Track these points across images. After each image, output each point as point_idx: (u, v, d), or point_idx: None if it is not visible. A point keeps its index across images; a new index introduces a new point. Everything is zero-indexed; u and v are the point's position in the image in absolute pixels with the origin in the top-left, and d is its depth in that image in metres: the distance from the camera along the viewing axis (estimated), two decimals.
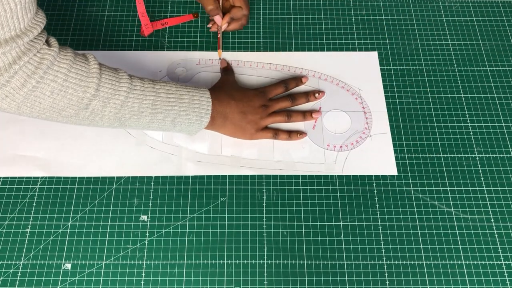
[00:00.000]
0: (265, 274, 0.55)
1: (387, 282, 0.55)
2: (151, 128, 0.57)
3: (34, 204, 0.59)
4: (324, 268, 0.56)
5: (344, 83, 0.68)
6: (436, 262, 0.56)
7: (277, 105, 0.64)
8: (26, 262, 0.55)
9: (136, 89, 0.53)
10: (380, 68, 0.70)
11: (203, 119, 0.58)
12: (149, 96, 0.54)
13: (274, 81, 0.68)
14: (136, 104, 0.54)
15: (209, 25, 0.72)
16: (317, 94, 0.66)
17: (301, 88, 0.68)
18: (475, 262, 0.56)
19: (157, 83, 0.56)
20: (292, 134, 0.63)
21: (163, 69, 0.69)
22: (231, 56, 0.70)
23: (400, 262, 0.56)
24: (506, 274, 0.56)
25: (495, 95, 0.68)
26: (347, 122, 0.65)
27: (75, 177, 0.60)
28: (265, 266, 0.56)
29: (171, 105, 0.55)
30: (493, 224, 0.59)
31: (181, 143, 0.63)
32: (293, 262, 0.56)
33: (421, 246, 0.57)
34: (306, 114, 0.64)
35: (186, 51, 0.70)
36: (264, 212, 0.59)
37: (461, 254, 0.57)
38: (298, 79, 0.67)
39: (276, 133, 0.63)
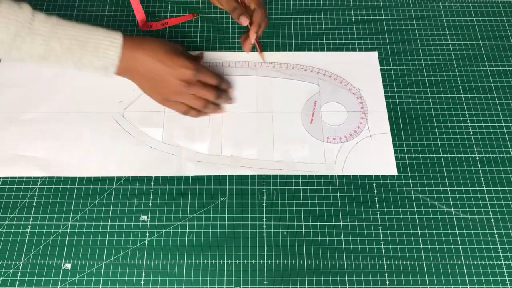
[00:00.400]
0: (265, 274, 0.55)
1: (387, 282, 0.55)
2: (58, 67, 0.56)
3: (34, 204, 0.59)
4: (324, 268, 0.56)
5: (346, 81, 0.68)
6: (436, 262, 0.56)
7: (202, 91, 0.61)
8: (26, 262, 0.55)
9: (33, 32, 0.52)
10: (380, 68, 0.70)
11: (108, 69, 0.56)
12: (43, 41, 0.53)
13: (275, 80, 0.68)
14: (28, 46, 0.52)
15: (241, 40, 0.70)
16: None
17: None
18: (475, 262, 0.56)
19: (62, 25, 0.54)
20: (201, 113, 0.63)
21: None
22: (232, 56, 0.70)
23: (400, 262, 0.56)
24: (506, 274, 0.56)
25: (495, 95, 0.68)
26: (343, 113, 0.65)
27: (75, 177, 0.60)
28: (265, 266, 0.56)
29: (72, 51, 0.54)
30: (493, 224, 0.59)
31: (181, 143, 0.63)
32: (293, 262, 0.56)
33: (421, 246, 0.57)
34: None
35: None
36: (264, 212, 0.59)
37: (461, 254, 0.57)
38: (229, 84, 0.66)
39: (188, 110, 0.62)
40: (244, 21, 0.67)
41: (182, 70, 0.58)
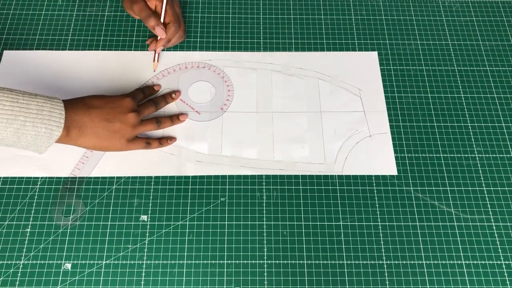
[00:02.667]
0: (265, 274, 0.55)
1: (387, 282, 0.55)
2: None
3: (34, 204, 0.59)
4: (324, 268, 0.56)
5: (344, 82, 0.68)
6: (436, 262, 0.56)
7: (146, 110, 0.62)
8: (26, 262, 0.55)
9: None
10: (380, 68, 0.70)
11: (53, 132, 0.53)
12: None
13: (275, 80, 0.68)
14: None
15: (148, 42, 0.70)
16: (173, 95, 0.65)
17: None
18: (475, 262, 0.56)
19: (0, 90, 0.51)
20: (162, 140, 0.62)
21: (163, 70, 0.69)
22: (231, 56, 0.70)
23: (400, 262, 0.56)
24: (506, 274, 0.56)
25: (495, 95, 0.68)
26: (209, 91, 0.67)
27: (75, 177, 0.60)
28: (265, 266, 0.56)
29: (14, 114, 0.50)
30: (493, 224, 0.59)
31: (181, 143, 0.63)
32: (293, 262, 0.56)
33: (421, 246, 0.57)
34: (174, 118, 0.63)
35: (186, 51, 0.71)
36: (264, 212, 0.59)
37: (461, 254, 0.57)
38: (150, 88, 0.66)
39: (148, 142, 0.61)
40: (161, 33, 0.66)
41: (124, 103, 0.59)
